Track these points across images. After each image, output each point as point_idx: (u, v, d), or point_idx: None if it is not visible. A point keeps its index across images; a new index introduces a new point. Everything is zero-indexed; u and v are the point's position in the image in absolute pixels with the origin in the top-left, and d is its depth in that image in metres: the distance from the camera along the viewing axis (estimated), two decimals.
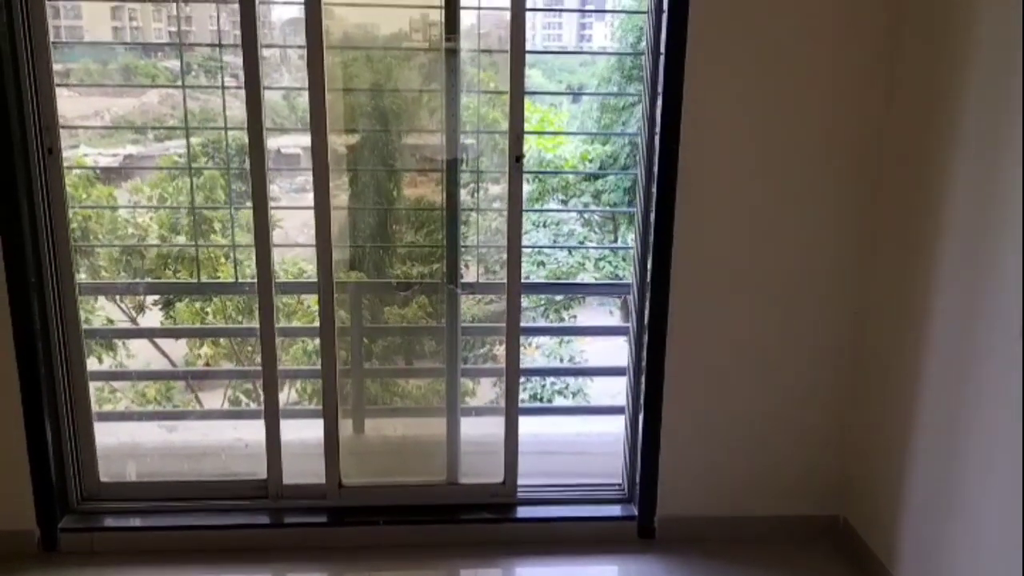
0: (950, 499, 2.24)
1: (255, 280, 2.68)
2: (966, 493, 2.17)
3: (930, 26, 2.33)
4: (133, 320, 6.68)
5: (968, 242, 2.16)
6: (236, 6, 2.43)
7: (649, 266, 2.65)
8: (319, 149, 2.53)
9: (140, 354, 6.26)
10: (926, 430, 2.36)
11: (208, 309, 6.34)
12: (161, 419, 4.25)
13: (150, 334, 6.92)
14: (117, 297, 6.38)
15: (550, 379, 7.95)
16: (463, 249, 2.82)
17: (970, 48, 2.15)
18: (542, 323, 8.21)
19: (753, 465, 2.82)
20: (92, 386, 2.75)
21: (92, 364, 3.23)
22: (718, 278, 2.66)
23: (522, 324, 2.75)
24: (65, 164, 2.56)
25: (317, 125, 2.52)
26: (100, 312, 6.06)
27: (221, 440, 3.27)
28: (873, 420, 2.67)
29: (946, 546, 2.26)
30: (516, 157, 2.57)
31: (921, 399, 2.38)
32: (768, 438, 2.80)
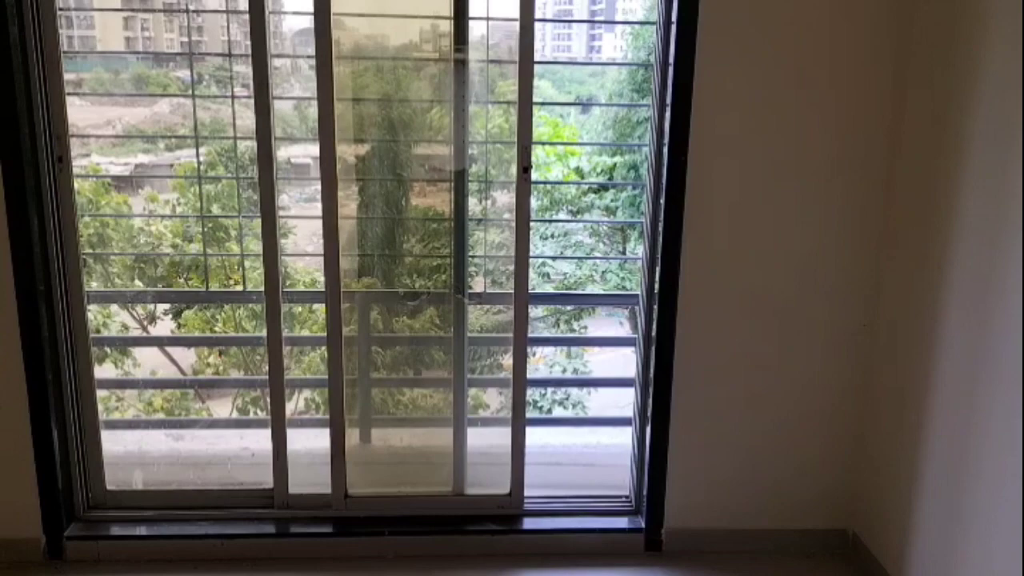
0: (960, 513, 2.21)
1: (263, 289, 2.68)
2: (977, 508, 2.15)
3: (940, 38, 2.33)
4: (144, 328, 6.71)
5: (979, 255, 2.14)
6: (247, 17, 2.44)
7: (657, 278, 2.65)
8: (327, 159, 2.54)
9: (148, 363, 6.29)
10: (937, 443, 2.34)
11: (218, 316, 6.37)
12: (168, 428, 4.25)
13: (157, 342, 6.94)
14: (128, 305, 6.41)
15: (550, 389, 7.90)
16: (471, 259, 2.82)
17: (980, 61, 2.14)
18: (546, 334, 8.17)
19: (761, 478, 2.80)
20: (99, 394, 2.76)
21: (101, 372, 3.24)
22: (726, 290, 2.65)
23: (529, 335, 2.74)
24: (76, 173, 2.57)
25: (326, 135, 2.53)
26: (117, 319, 6.10)
27: (227, 449, 3.27)
28: (883, 433, 2.64)
29: (956, 561, 2.24)
30: (524, 168, 2.57)
31: (932, 412, 2.36)
32: (777, 450, 2.78)
